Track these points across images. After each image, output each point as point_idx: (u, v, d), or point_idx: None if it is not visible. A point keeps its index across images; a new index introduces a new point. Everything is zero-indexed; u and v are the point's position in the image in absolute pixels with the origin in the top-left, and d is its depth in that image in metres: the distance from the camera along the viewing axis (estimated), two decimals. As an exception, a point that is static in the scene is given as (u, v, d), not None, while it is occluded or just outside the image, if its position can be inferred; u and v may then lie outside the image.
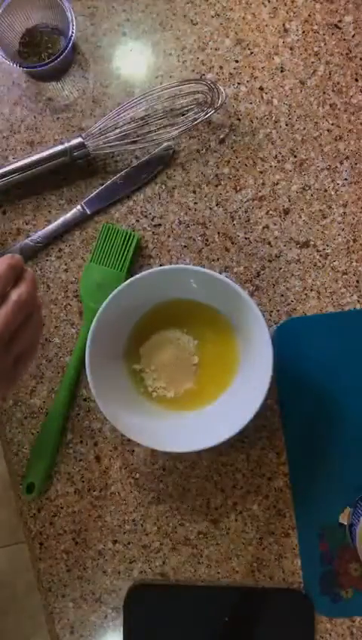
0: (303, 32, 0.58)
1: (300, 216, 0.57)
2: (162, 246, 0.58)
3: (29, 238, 0.57)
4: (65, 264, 0.58)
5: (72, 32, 0.54)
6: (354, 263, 0.57)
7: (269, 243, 0.57)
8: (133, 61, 0.59)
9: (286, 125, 0.58)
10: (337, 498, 0.55)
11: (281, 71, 0.58)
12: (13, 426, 0.57)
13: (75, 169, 0.58)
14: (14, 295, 0.40)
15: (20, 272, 0.42)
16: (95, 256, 0.56)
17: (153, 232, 0.58)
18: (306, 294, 0.57)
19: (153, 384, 0.55)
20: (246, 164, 0.58)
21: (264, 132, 0.58)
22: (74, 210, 0.57)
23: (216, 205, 0.58)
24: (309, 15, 0.59)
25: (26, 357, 0.43)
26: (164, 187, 0.58)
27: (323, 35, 0.58)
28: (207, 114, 0.56)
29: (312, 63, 0.58)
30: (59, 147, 0.56)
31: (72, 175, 0.58)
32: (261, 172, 0.58)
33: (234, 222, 0.58)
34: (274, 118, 0.58)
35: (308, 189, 0.57)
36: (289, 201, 0.57)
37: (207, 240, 0.58)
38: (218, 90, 0.56)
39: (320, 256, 0.57)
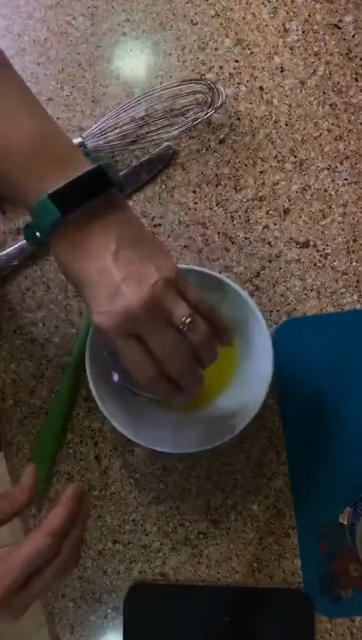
0: (303, 32, 0.58)
1: (300, 216, 0.57)
2: (162, 246, 0.58)
3: (29, 238, 0.57)
4: (65, 264, 0.58)
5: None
6: (354, 263, 0.57)
7: (269, 243, 0.57)
8: (133, 61, 0.59)
9: (286, 125, 0.58)
10: (337, 498, 0.55)
11: (281, 71, 0.58)
12: (13, 426, 0.57)
13: (75, 169, 0.58)
14: (65, 550, 0.38)
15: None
16: (95, 256, 0.56)
17: (153, 232, 0.58)
18: (306, 294, 0.57)
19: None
20: (246, 164, 0.58)
21: (264, 132, 0.58)
22: (74, 210, 0.57)
23: (216, 205, 0.58)
24: (309, 15, 0.59)
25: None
26: (164, 187, 0.58)
27: (323, 35, 0.58)
28: (207, 114, 0.56)
29: (312, 63, 0.58)
30: (59, 147, 0.56)
31: (72, 175, 0.58)
32: (261, 172, 0.58)
33: (234, 222, 0.57)
34: (274, 118, 0.58)
35: (308, 189, 0.57)
36: (289, 201, 0.57)
37: (207, 240, 0.58)
38: (218, 90, 0.56)
39: (320, 256, 0.57)
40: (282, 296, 0.57)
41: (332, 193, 0.57)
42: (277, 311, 0.57)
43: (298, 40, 0.58)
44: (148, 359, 0.39)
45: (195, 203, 0.58)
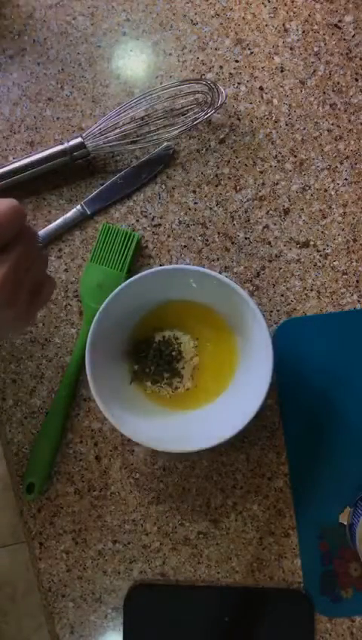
0: (303, 32, 0.58)
1: (300, 216, 0.57)
2: (162, 246, 0.58)
3: (29, 238, 0.57)
4: (65, 264, 0.58)
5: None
6: (354, 263, 0.57)
7: (269, 243, 0.57)
8: (133, 61, 0.59)
9: (286, 125, 0.58)
10: (337, 498, 0.55)
11: (281, 71, 0.58)
12: (13, 426, 0.57)
13: (75, 169, 0.58)
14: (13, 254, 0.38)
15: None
16: (95, 256, 0.56)
17: (153, 232, 0.58)
18: (306, 294, 0.57)
19: (153, 384, 0.55)
20: (246, 164, 0.58)
21: (264, 132, 0.58)
22: (74, 210, 0.57)
23: (216, 205, 0.58)
24: (309, 15, 0.59)
25: (40, 295, 0.41)
26: (164, 187, 0.58)
27: (323, 35, 0.58)
28: (207, 114, 0.56)
29: (312, 63, 0.58)
30: (59, 147, 0.56)
31: (72, 175, 0.58)
32: (261, 172, 0.58)
33: (234, 222, 0.58)
34: (274, 118, 0.58)
35: (308, 189, 0.57)
36: (289, 201, 0.57)
37: (207, 240, 0.58)
38: (218, 90, 0.56)
39: (320, 256, 0.57)
40: (282, 296, 0.57)
41: (332, 193, 0.57)
42: (277, 311, 0.57)
43: (298, 40, 0.58)
44: None
45: (195, 203, 0.58)
